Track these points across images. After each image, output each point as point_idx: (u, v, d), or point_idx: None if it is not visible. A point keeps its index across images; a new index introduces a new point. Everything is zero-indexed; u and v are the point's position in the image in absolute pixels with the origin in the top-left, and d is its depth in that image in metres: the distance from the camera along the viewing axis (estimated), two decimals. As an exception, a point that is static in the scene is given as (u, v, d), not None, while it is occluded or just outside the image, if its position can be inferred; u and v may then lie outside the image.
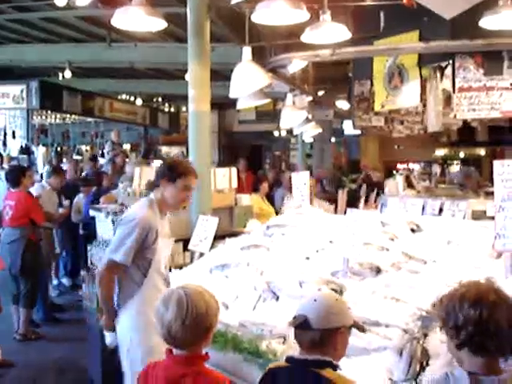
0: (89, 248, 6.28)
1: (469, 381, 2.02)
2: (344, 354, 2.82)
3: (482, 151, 21.63)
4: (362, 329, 2.92)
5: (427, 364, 3.31)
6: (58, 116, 20.85)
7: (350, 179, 13.28)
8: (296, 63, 7.74)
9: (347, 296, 4.06)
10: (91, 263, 6.21)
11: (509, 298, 2.17)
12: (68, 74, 14.11)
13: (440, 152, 22.68)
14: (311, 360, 2.64)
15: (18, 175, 7.56)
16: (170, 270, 5.53)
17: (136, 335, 3.92)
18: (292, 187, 6.71)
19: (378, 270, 4.36)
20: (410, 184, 9.88)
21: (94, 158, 14.42)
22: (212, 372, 2.69)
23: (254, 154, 22.22)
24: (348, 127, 17.18)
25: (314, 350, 2.65)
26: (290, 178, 7.03)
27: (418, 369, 3.28)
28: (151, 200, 4.05)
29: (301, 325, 2.66)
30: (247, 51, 6.15)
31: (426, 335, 3.51)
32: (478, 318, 2.05)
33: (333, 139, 17.34)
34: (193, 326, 2.56)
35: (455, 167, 23.22)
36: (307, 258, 4.79)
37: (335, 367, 2.65)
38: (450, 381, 2.06)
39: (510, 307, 2.11)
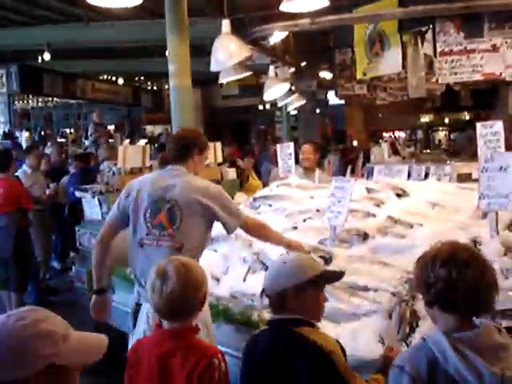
0: (77, 229, 6.28)
1: (446, 340, 2.03)
2: (320, 313, 2.86)
3: (466, 116, 21.69)
4: (332, 278, 3.05)
5: (417, 325, 3.34)
6: (40, 99, 20.68)
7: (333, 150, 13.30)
8: (276, 34, 7.70)
9: (335, 263, 4.09)
10: (80, 244, 6.22)
11: (482, 258, 2.18)
12: (47, 56, 13.95)
13: (425, 119, 22.73)
14: (285, 319, 2.71)
15: (5, 160, 7.47)
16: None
17: None
18: (277, 159, 6.71)
19: (365, 236, 4.39)
20: (395, 151, 9.94)
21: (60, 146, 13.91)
22: (204, 344, 2.71)
23: (239, 128, 22.17)
24: (332, 97, 17.16)
25: (285, 311, 2.72)
26: (275, 150, 7.03)
27: (407, 330, 3.32)
28: (189, 172, 3.87)
29: (262, 291, 2.86)
30: (226, 24, 6.10)
31: (414, 297, 3.55)
32: (447, 276, 2.07)
33: (317, 110, 17.28)
34: (191, 295, 2.60)
35: (440, 133, 23.34)
36: (295, 228, 4.80)
37: (311, 325, 2.69)
38: (429, 344, 2.08)
39: (481, 266, 2.11)
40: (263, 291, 2.83)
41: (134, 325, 3.85)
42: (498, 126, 5.24)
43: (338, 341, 2.76)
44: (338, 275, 3.06)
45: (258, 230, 4.05)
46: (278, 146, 6.76)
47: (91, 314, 3.97)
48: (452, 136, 20.92)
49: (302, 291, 2.75)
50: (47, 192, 8.49)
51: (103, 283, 3.99)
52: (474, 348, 2.01)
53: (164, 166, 4.01)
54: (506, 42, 6.90)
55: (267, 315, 3.83)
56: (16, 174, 8.00)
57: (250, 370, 2.81)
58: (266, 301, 3.87)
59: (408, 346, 3.20)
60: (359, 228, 4.48)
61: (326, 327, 3.48)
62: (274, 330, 2.76)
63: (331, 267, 3.99)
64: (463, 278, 2.05)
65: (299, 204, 5.35)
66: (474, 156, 7.94)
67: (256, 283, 4.20)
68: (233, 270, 4.51)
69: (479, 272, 2.09)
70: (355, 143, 16.48)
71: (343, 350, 2.71)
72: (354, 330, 3.42)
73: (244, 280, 4.34)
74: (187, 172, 3.85)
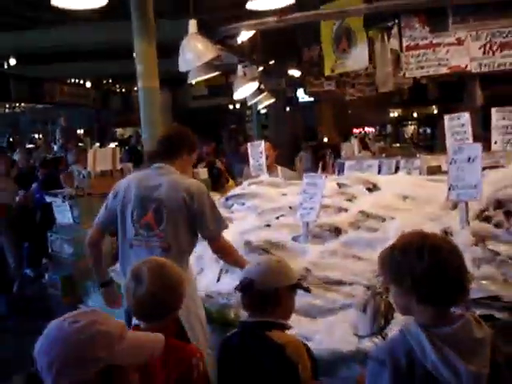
0: (49, 235, 6.21)
1: (424, 334, 2.02)
2: (291, 314, 2.90)
3: (435, 110, 21.91)
4: (306, 289, 3.08)
5: (392, 317, 3.37)
6: (7, 105, 20.42)
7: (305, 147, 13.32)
8: (243, 33, 7.70)
9: (309, 258, 4.10)
10: (52, 250, 6.16)
11: (453, 245, 2.16)
12: (13, 61, 13.80)
13: (394, 113, 22.92)
14: (259, 322, 2.72)
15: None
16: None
17: None
18: (248, 158, 6.71)
19: (338, 231, 4.41)
20: (365, 146, 10.01)
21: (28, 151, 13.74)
22: (182, 344, 2.70)
23: (210, 129, 22.12)
24: (302, 95, 17.22)
25: (260, 312, 2.74)
26: (246, 149, 7.02)
27: (382, 323, 3.35)
28: (177, 172, 3.80)
29: (246, 287, 2.76)
30: (193, 24, 6.09)
31: (388, 290, 3.57)
32: (421, 265, 2.03)
33: (287, 108, 17.32)
34: (166, 297, 2.58)
35: (410, 127, 23.58)
36: (268, 226, 4.81)
37: (283, 327, 2.74)
38: (407, 337, 2.05)
39: (453, 253, 2.09)
40: (247, 286, 2.76)
41: (129, 325, 3.84)
42: (466, 117, 5.30)
43: (306, 344, 2.78)
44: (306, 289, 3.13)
45: (226, 249, 3.89)
46: (249, 144, 6.76)
47: (106, 306, 3.95)
48: (402, 131, 21.21)
49: (290, 292, 2.84)
50: (17, 199, 8.38)
51: (106, 277, 4.05)
52: (452, 344, 1.99)
53: (151, 163, 3.90)
54: (471, 35, 6.97)
55: (244, 313, 3.84)
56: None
57: (224, 375, 2.82)
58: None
59: (384, 338, 3.23)
60: (331, 223, 4.50)
61: (302, 322, 3.50)
62: (246, 333, 2.77)
63: (305, 262, 4.02)
64: (437, 266, 2.04)
65: (272, 201, 5.35)
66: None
67: (230, 282, 4.20)
68: (207, 271, 4.50)
69: (453, 260, 2.07)
70: (326, 140, 16.54)
71: (311, 355, 2.72)
72: (329, 325, 3.45)
73: (218, 280, 4.33)
74: (175, 171, 3.79)
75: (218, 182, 8.55)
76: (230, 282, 4.18)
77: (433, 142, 16.54)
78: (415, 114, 23.23)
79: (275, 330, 2.69)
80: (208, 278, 4.39)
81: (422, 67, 7.26)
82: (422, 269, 2.03)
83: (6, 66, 14.99)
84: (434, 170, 5.85)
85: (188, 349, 2.65)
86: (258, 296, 2.73)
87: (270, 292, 2.73)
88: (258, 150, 6.48)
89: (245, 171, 7.46)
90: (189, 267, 3.81)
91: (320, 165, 7.47)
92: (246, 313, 2.86)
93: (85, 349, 1.65)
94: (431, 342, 1.98)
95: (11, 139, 18.52)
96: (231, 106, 21.91)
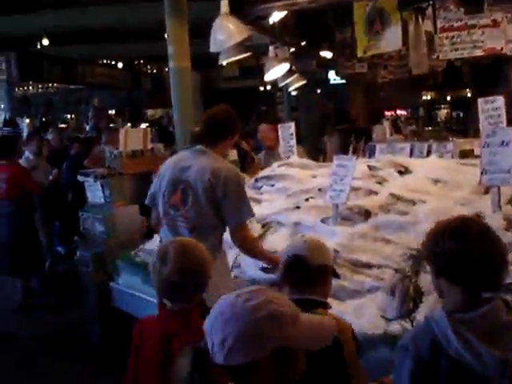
0: (80, 214, 6.29)
1: (448, 322, 2.01)
2: (329, 293, 2.87)
3: (468, 93, 21.56)
4: (337, 275, 3.01)
5: (421, 301, 3.36)
6: (40, 86, 20.63)
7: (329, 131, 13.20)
8: (275, 14, 7.64)
9: (339, 240, 4.10)
10: (83, 228, 6.23)
11: (492, 232, 2.14)
12: (46, 42, 13.92)
13: (427, 96, 22.60)
14: (303, 300, 2.68)
15: (9, 145, 7.48)
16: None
17: None
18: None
19: (367, 214, 4.39)
20: (397, 129, 9.90)
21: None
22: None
23: (240, 110, 22.09)
24: (333, 77, 17.08)
25: (305, 290, 2.69)
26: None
27: (411, 306, 3.34)
28: (213, 154, 3.79)
29: (296, 264, 2.70)
30: (225, 4, 6.06)
31: (417, 273, 3.56)
32: (456, 246, 2.04)
33: (318, 90, 17.21)
34: (191, 276, 2.59)
35: (443, 111, 23.24)
36: (297, 207, 4.81)
37: (326, 306, 2.70)
38: (432, 325, 2.05)
39: (491, 240, 2.08)
40: (297, 262, 2.71)
41: None
42: (500, 101, 5.21)
43: (350, 325, 2.75)
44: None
45: (248, 243, 3.84)
46: (280, 126, 6.74)
47: None
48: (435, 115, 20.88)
49: (331, 271, 2.84)
50: (50, 178, 8.49)
51: None
52: (477, 329, 1.96)
53: (194, 144, 3.92)
54: (507, 17, 6.83)
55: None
56: (19, 160, 8.01)
57: None
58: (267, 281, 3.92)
59: (412, 322, 3.22)
60: (361, 206, 4.48)
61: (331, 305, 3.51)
62: None
63: (334, 244, 4.01)
64: (472, 249, 2.03)
65: (301, 183, 5.35)
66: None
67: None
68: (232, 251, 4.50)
69: (489, 245, 2.06)
70: (356, 123, 16.41)
71: (355, 337, 2.69)
72: (357, 307, 3.45)
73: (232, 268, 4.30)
74: (211, 154, 3.78)
75: (244, 163, 8.56)
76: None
77: (466, 126, 16.29)
78: (448, 98, 22.88)
79: (320, 308, 2.65)
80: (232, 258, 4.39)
81: (457, 49, 7.14)
82: (451, 250, 2.04)
83: (39, 47, 15.12)
84: (467, 154, 5.78)
85: None
86: (308, 273, 2.68)
87: (320, 269, 2.71)
88: (288, 132, 6.47)
89: (258, 155, 7.47)
90: (220, 250, 3.79)
91: (350, 148, 7.44)
92: (289, 289, 2.79)
93: (259, 327, 1.60)
94: (454, 329, 1.96)
95: (44, 119, 18.70)
96: (262, 88, 21.82)
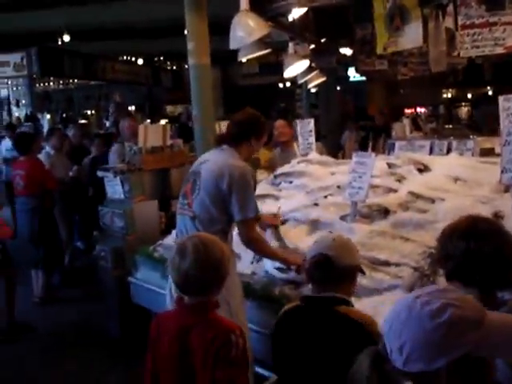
0: (99, 209, 6.33)
1: None
2: (354, 292, 2.88)
3: (489, 91, 21.37)
4: (363, 271, 3.03)
5: (439, 300, 3.33)
6: (61, 81, 20.78)
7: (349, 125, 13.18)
8: (295, 10, 7.62)
9: (356, 238, 4.08)
10: (103, 224, 6.27)
11: (503, 230, 2.14)
12: (67, 38, 14.03)
13: (447, 94, 22.44)
14: (327, 297, 2.69)
15: (28, 142, 7.54)
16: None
17: None
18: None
19: (386, 212, 4.37)
20: (417, 127, 9.84)
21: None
22: (223, 319, 2.72)
23: (260, 106, 22.10)
24: (353, 74, 17.00)
25: (330, 288, 2.71)
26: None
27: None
28: (231, 153, 3.86)
29: (323, 263, 2.72)
30: (245, 1, 6.05)
31: (436, 272, 3.54)
32: (466, 248, 2.04)
33: (338, 87, 17.14)
34: (209, 272, 2.60)
35: (463, 109, 23.05)
36: (316, 204, 4.81)
37: (349, 303, 2.71)
38: None
39: (501, 239, 2.08)
40: (325, 261, 2.72)
41: None
42: (522, 98, 5.16)
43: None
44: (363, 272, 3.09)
45: (251, 240, 3.85)
46: (298, 122, 6.73)
47: None
48: (456, 113, 20.73)
49: (358, 271, 2.88)
50: (70, 174, 8.55)
51: None
52: None
53: (219, 145, 3.98)
54: (529, 14, 6.76)
55: (289, 291, 3.86)
56: (39, 156, 8.08)
57: (284, 348, 2.82)
58: (287, 277, 3.93)
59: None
60: (380, 203, 4.47)
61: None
62: (313, 308, 2.75)
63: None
64: (481, 250, 2.02)
65: (320, 180, 5.35)
66: (494, 131, 7.85)
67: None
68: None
69: (499, 245, 2.05)
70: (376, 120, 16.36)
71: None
72: (375, 305, 3.42)
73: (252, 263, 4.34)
74: (233, 153, 3.85)
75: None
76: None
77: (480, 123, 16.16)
78: (469, 95, 22.69)
79: (343, 306, 2.68)
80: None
81: (478, 47, 7.06)
82: (461, 250, 2.02)
83: (59, 43, 15.22)
84: (487, 152, 5.74)
85: (227, 325, 2.66)
86: (334, 272, 2.71)
87: (347, 269, 2.74)
88: (307, 129, 6.46)
89: (274, 152, 7.45)
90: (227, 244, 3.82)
91: (369, 145, 7.42)
92: (313, 287, 2.82)
93: (438, 334, 1.46)
94: None
95: (64, 115, 18.84)
96: (281, 85, 21.81)
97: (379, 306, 3.40)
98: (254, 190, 4.38)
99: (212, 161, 3.83)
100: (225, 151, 3.87)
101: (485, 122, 11.46)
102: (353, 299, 3.48)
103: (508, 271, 2.06)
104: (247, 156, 3.96)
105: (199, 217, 3.76)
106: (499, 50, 7.01)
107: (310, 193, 5.11)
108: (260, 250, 3.96)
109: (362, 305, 3.47)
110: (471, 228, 2.07)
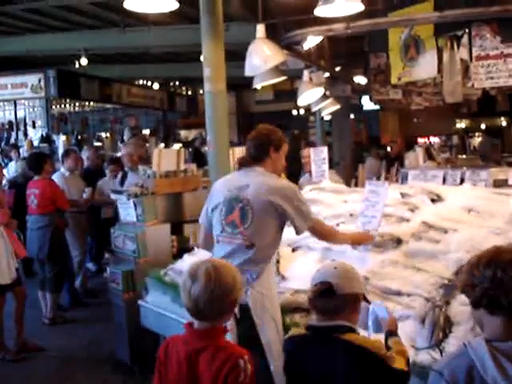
0: (112, 231, 6.36)
1: (486, 349, 2.00)
2: (358, 321, 2.87)
3: (503, 122, 21.36)
4: (368, 300, 3.01)
5: (450, 331, 3.32)
6: (77, 104, 21.00)
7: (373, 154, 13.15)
8: (310, 39, 7.70)
9: (369, 267, 4.08)
10: (115, 246, 6.29)
11: None
12: (84, 61, 14.21)
13: (461, 124, 22.44)
14: (333, 326, 2.68)
15: (40, 162, 7.62)
16: (193, 249, 5.61)
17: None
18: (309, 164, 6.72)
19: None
20: (430, 156, 9.83)
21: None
22: (231, 345, 2.71)
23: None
24: (367, 102, 17.07)
25: (334, 317, 2.70)
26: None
27: (440, 336, 3.30)
28: (264, 171, 3.88)
29: (325, 291, 2.71)
30: (261, 28, 6.13)
31: (448, 303, 3.52)
32: (491, 275, 2.04)
33: (352, 116, 17.22)
34: (220, 298, 2.59)
35: (477, 139, 23.02)
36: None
37: (354, 331, 2.70)
38: (469, 351, 2.04)
39: None
40: (328, 290, 2.72)
41: None
42: (536, 130, 5.17)
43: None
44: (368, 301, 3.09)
45: (326, 237, 4.07)
46: (312, 149, 6.76)
47: None
48: (469, 143, 20.72)
49: (361, 299, 2.85)
50: (84, 196, 8.60)
51: None
52: None
53: (240, 168, 4.00)
54: (543, 47, 6.79)
55: (299, 318, 3.85)
56: (53, 177, 8.15)
57: (293, 372, 2.82)
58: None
59: (441, 351, 3.18)
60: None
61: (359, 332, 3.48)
62: (318, 337, 2.74)
63: (364, 270, 3.99)
64: (508, 277, 2.03)
65: (332, 208, 5.34)
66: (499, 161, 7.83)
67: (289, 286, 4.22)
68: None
69: None
70: (389, 149, 16.38)
71: None
72: (386, 335, 3.40)
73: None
74: (263, 171, 3.86)
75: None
76: (288, 285, 4.21)
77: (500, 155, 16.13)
78: (483, 126, 22.68)
79: (349, 333, 2.67)
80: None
81: (492, 78, 7.09)
82: (487, 279, 2.04)
83: (77, 65, 15.42)
84: (501, 183, 5.73)
85: (236, 350, 2.64)
86: (337, 300, 2.70)
87: (349, 297, 2.72)
88: (320, 156, 6.48)
89: (301, 180, 7.46)
90: (270, 262, 3.83)
91: (383, 173, 7.42)
92: (317, 316, 2.81)
93: None
94: (493, 357, 1.96)
95: (79, 137, 19.01)
96: (295, 112, 21.92)
97: (390, 336, 3.38)
98: None
99: (256, 185, 3.78)
100: (258, 172, 3.85)
101: (490, 153, 11.47)
102: (364, 329, 3.49)
103: None
104: (274, 170, 3.96)
105: (257, 244, 3.71)
106: (514, 82, 7.03)
107: (323, 220, 5.10)
108: (338, 240, 4.22)
109: (373, 335, 3.45)
110: (497, 256, 2.09)
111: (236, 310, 3.58)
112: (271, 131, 4.00)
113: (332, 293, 2.70)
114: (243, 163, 3.96)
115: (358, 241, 4.29)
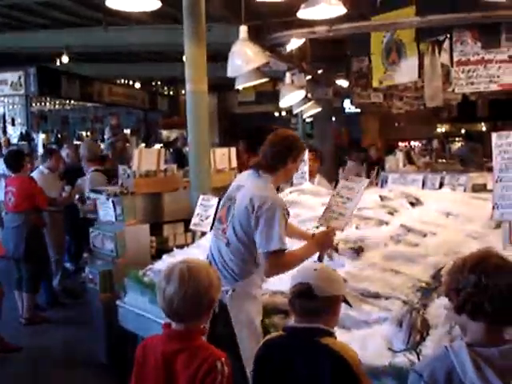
0: (90, 230, 6.31)
1: (467, 353, 2.01)
2: (337, 323, 2.86)
3: (483, 127, 21.58)
4: (349, 303, 2.95)
5: (427, 334, 3.33)
6: (57, 102, 20.83)
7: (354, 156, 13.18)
8: (293, 41, 7.71)
9: (347, 270, 4.08)
10: (93, 245, 6.25)
11: (509, 264, 2.13)
12: (65, 59, 14.12)
13: (441, 128, 22.63)
14: (309, 328, 2.67)
15: (18, 159, 7.56)
16: (172, 250, 5.59)
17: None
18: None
19: (361, 250, 4.32)
20: (410, 160, 9.88)
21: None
22: (209, 347, 2.69)
23: (255, 135, 22.20)
24: (348, 105, 17.14)
25: (313, 319, 2.69)
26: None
27: (418, 339, 3.31)
28: (267, 180, 3.79)
29: (304, 293, 2.69)
30: (244, 30, 6.12)
31: (425, 306, 3.54)
32: (476, 280, 2.04)
33: (333, 118, 17.26)
34: (194, 299, 2.57)
35: (457, 143, 23.22)
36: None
37: (332, 335, 2.69)
38: (450, 354, 2.05)
39: (509, 272, 2.08)
40: (306, 291, 2.68)
41: None
42: (514, 136, 5.19)
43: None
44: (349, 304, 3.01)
45: (279, 269, 3.70)
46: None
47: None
48: (449, 147, 20.93)
49: (341, 301, 2.82)
50: (63, 194, 8.53)
51: None
52: (496, 366, 1.97)
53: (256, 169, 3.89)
54: (524, 53, 6.85)
55: (278, 320, 3.85)
56: (32, 174, 8.07)
57: (265, 378, 2.80)
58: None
59: (418, 354, 3.19)
60: (357, 241, 4.41)
61: (336, 334, 3.49)
62: (295, 339, 2.73)
63: (343, 273, 4.00)
64: (493, 283, 2.03)
65: (312, 210, 5.35)
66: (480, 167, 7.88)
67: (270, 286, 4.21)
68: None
69: (510, 279, 2.07)
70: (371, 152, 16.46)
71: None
72: (363, 337, 3.42)
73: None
74: (268, 180, 3.79)
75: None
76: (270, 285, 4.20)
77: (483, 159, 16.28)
78: (463, 130, 22.89)
79: (326, 337, 2.66)
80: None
81: (472, 83, 7.14)
82: (471, 284, 2.04)
83: (58, 63, 15.31)
84: (479, 188, 5.78)
85: (213, 352, 2.62)
86: (316, 302, 2.67)
87: (328, 299, 2.70)
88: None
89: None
90: (257, 265, 3.76)
91: (363, 176, 7.44)
92: (296, 317, 2.79)
93: None
94: (473, 361, 1.97)
95: (59, 135, 18.84)
96: (277, 113, 21.95)
97: (367, 338, 3.39)
98: None
99: (247, 188, 3.77)
100: (261, 178, 3.80)
101: (472, 158, 11.57)
102: (341, 331, 3.50)
103: None
104: (285, 178, 3.99)
105: (232, 244, 3.74)
106: (494, 87, 7.09)
107: (302, 222, 5.11)
108: (291, 267, 3.65)
109: (350, 337, 3.46)
110: (483, 262, 2.09)
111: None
112: (292, 139, 3.91)
113: (311, 294, 2.67)
114: (257, 167, 3.87)
115: (318, 246, 3.93)
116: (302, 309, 2.72)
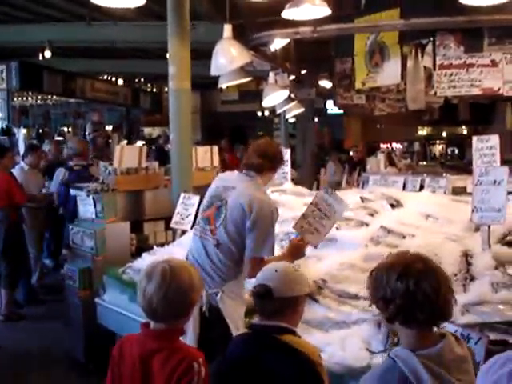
0: (70, 227, 6.27)
1: (416, 359, 1.99)
2: (299, 322, 2.89)
3: (464, 130, 21.76)
4: (315, 299, 3.00)
5: (405, 335, 3.35)
6: (39, 97, 20.67)
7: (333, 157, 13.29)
8: (277, 41, 7.72)
9: (327, 270, 4.10)
10: (72, 242, 6.20)
11: (436, 266, 2.15)
12: (48, 54, 13.98)
13: (423, 131, 22.79)
14: (271, 326, 2.70)
15: (-3, 154, 7.48)
16: (152, 248, 5.57)
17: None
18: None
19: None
20: (391, 162, 9.96)
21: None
22: (187, 347, 2.68)
23: (237, 134, 22.20)
24: (331, 106, 17.21)
25: (274, 318, 2.72)
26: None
27: (396, 340, 3.32)
28: (260, 183, 3.89)
29: (263, 294, 2.72)
30: (228, 29, 6.11)
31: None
32: (405, 290, 2.04)
33: (316, 119, 17.31)
34: (174, 299, 2.55)
35: (438, 146, 23.42)
36: (287, 234, 4.81)
37: (294, 333, 2.74)
38: (398, 364, 2.02)
39: (437, 275, 2.09)
40: (265, 293, 2.72)
41: None
42: (495, 140, 5.23)
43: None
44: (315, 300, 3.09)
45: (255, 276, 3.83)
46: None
47: None
48: (430, 150, 21.12)
49: (303, 301, 2.85)
50: (43, 190, 8.47)
51: None
52: (440, 364, 1.99)
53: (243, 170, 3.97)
54: (506, 58, 6.90)
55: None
56: (12, 170, 7.99)
57: (228, 373, 2.81)
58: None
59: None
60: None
61: (314, 335, 3.50)
62: (259, 336, 2.76)
63: (322, 273, 4.01)
64: (421, 289, 2.03)
65: (293, 211, 5.35)
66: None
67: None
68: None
69: (436, 282, 2.06)
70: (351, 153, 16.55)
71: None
72: (342, 338, 3.43)
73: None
74: (257, 182, 3.86)
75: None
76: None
77: (460, 163, 16.42)
78: (444, 134, 23.08)
79: (289, 335, 2.69)
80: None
81: (454, 87, 7.20)
82: (401, 293, 2.05)
83: (40, 58, 15.16)
84: (459, 191, 5.83)
85: (191, 353, 2.61)
86: (276, 303, 2.71)
87: (288, 300, 2.73)
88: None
89: None
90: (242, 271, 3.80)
91: (344, 177, 7.48)
92: (259, 316, 2.83)
93: None
94: (423, 364, 1.98)
95: (41, 130, 18.69)
96: (260, 113, 21.96)
97: (346, 339, 3.40)
98: None
99: (240, 190, 3.77)
100: (252, 180, 3.85)
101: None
102: (320, 332, 3.52)
103: (446, 307, 2.09)
104: (265, 184, 4.04)
105: (223, 245, 3.73)
106: (476, 92, 7.16)
107: (283, 223, 5.11)
108: None
109: (328, 338, 3.48)
110: (408, 268, 2.08)
111: (205, 309, 3.65)
112: (280, 152, 4.07)
113: (270, 296, 2.71)
114: (247, 166, 3.91)
115: (292, 257, 3.94)
116: (261, 309, 2.78)
